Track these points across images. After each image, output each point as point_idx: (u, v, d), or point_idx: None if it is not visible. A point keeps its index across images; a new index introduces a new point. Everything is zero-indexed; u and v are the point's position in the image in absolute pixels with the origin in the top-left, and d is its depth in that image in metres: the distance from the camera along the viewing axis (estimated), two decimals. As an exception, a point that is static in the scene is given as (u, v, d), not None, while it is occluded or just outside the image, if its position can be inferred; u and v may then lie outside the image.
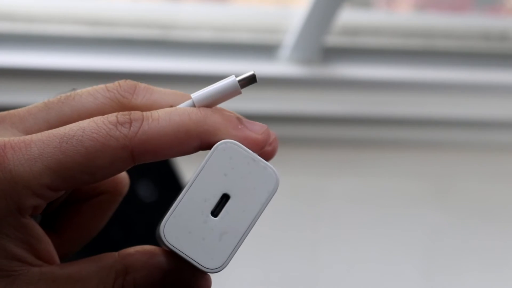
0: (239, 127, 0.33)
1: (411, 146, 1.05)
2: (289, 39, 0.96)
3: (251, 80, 0.33)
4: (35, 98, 0.90)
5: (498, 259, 1.05)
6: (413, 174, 1.04)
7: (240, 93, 0.33)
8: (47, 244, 0.32)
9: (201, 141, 0.32)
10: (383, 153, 1.03)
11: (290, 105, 0.97)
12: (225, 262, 0.31)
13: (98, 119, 0.31)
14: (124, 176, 0.37)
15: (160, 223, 0.32)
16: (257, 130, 0.33)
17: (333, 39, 1.00)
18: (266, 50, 0.98)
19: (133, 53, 0.94)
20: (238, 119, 0.33)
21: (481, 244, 1.04)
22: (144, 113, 0.32)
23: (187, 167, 0.83)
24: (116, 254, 0.32)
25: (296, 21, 0.95)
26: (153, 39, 0.95)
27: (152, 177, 0.82)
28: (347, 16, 0.99)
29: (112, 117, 0.31)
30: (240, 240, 0.32)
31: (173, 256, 0.32)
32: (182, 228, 0.31)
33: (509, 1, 1.16)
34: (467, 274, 1.04)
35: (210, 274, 0.32)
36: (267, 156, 0.34)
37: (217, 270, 0.31)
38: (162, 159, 0.32)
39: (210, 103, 0.33)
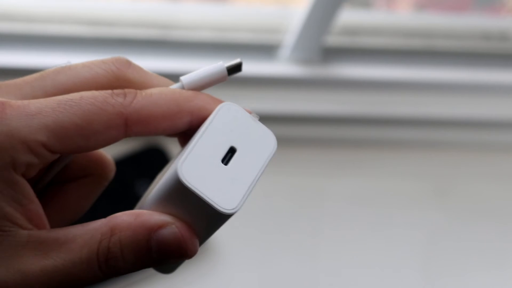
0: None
1: (411, 146, 1.05)
2: (289, 39, 0.96)
3: (237, 67, 0.37)
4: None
5: (498, 259, 1.05)
6: (413, 174, 1.04)
7: (226, 79, 0.36)
8: (38, 207, 0.33)
9: (191, 116, 0.34)
10: (383, 153, 1.03)
11: (290, 105, 0.97)
12: (239, 204, 0.33)
13: (95, 91, 0.33)
14: (110, 161, 0.38)
15: (173, 165, 0.33)
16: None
17: (333, 39, 1.00)
18: (266, 50, 0.98)
19: (133, 53, 0.94)
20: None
21: (481, 244, 1.04)
22: (138, 90, 0.33)
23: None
24: (104, 219, 0.33)
25: (296, 21, 0.95)
26: (153, 39, 0.95)
27: (152, 176, 0.82)
28: (347, 16, 0.99)
29: (108, 90, 0.33)
30: (250, 186, 0.33)
31: (160, 215, 0.33)
32: (198, 171, 0.32)
33: (509, 1, 1.16)
34: (467, 275, 1.04)
35: (226, 214, 0.33)
36: None
37: (232, 211, 0.32)
38: (154, 134, 0.33)
39: (199, 87, 0.35)
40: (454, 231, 1.04)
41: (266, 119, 1.06)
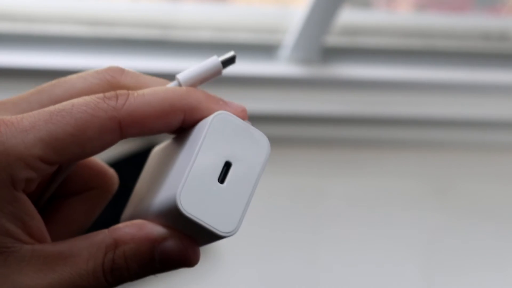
0: (220, 103, 0.34)
1: (411, 146, 1.05)
2: (289, 39, 0.96)
3: (231, 60, 0.36)
4: (35, 98, 0.90)
5: (498, 259, 1.05)
6: (413, 174, 1.04)
7: (220, 73, 0.36)
8: (39, 222, 0.33)
9: (185, 114, 0.34)
10: (383, 153, 1.03)
11: (290, 105, 0.97)
12: (238, 225, 0.33)
13: (86, 96, 0.33)
14: (113, 173, 0.38)
15: (159, 196, 0.33)
16: (236, 107, 0.35)
17: (333, 39, 1.00)
18: (266, 50, 0.98)
19: (133, 53, 0.94)
20: (220, 98, 0.35)
21: (481, 244, 1.04)
22: (130, 91, 0.33)
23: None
24: (106, 230, 0.33)
25: (296, 21, 0.95)
26: (153, 39, 0.95)
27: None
28: (347, 16, 0.99)
29: (100, 94, 0.33)
30: (247, 203, 0.33)
31: (163, 228, 0.33)
32: (196, 196, 0.32)
33: (509, 1, 1.16)
34: (467, 275, 1.04)
35: (226, 237, 0.33)
36: None
37: (232, 233, 0.33)
38: (149, 134, 0.33)
39: (195, 83, 0.35)
40: (454, 231, 1.04)
41: (266, 119, 1.06)
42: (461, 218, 1.04)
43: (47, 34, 0.92)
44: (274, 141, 1.14)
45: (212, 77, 0.36)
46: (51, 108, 0.32)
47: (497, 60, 1.05)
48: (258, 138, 0.34)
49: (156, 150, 0.39)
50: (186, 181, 0.32)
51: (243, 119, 0.34)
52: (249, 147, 0.33)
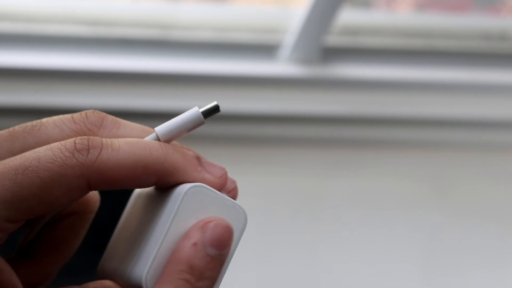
0: (198, 169, 0.33)
1: (411, 146, 1.05)
2: (289, 39, 0.96)
3: (214, 110, 0.33)
4: (35, 98, 0.90)
5: (498, 259, 1.05)
6: (413, 175, 1.04)
7: (203, 123, 0.33)
8: (10, 274, 0.32)
9: (158, 178, 0.32)
10: (383, 154, 1.03)
11: (290, 105, 0.97)
12: None
13: (55, 146, 0.31)
14: (93, 193, 0.36)
15: (129, 267, 0.32)
16: (216, 173, 0.33)
17: (333, 39, 1.00)
18: (266, 50, 0.98)
19: (133, 53, 0.94)
20: (198, 159, 0.33)
21: (481, 244, 1.04)
22: (104, 140, 0.31)
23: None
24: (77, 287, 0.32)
25: (296, 21, 0.95)
26: (153, 39, 0.95)
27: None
28: (347, 16, 0.99)
29: (69, 143, 0.31)
30: (220, 276, 0.32)
31: None
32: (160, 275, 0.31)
33: (509, 1, 1.16)
34: (467, 274, 1.04)
35: None
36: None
37: None
38: (119, 188, 0.32)
39: (175, 135, 0.33)
40: (454, 231, 1.04)
41: (266, 119, 1.06)
42: (461, 218, 1.04)
43: (47, 34, 0.92)
44: (274, 141, 1.14)
45: (193, 128, 0.34)
46: (17, 162, 0.31)
47: (497, 60, 1.05)
48: (234, 210, 0.32)
49: (138, 193, 0.37)
50: (153, 262, 0.31)
51: (222, 185, 0.33)
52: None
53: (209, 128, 0.94)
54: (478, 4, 1.15)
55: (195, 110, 0.33)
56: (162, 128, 0.33)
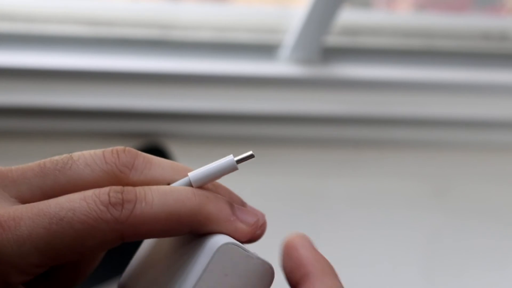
0: (231, 219, 0.33)
1: (411, 146, 1.05)
2: (289, 39, 0.96)
3: (248, 158, 0.34)
4: (35, 98, 0.90)
5: (498, 259, 1.05)
6: (413, 175, 1.04)
7: (237, 169, 0.34)
8: None
9: (190, 229, 0.32)
10: (383, 154, 1.03)
11: (290, 105, 0.97)
12: None
13: (89, 197, 0.31)
14: None
15: None
16: (248, 221, 0.34)
17: (333, 39, 1.00)
18: (266, 50, 0.98)
19: (133, 53, 0.94)
20: (231, 207, 0.34)
21: (481, 244, 1.04)
22: (138, 192, 0.32)
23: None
24: None
25: (296, 21, 0.95)
26: (153, 39, 0.95)
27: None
28: (347, 16, 0.99)
29: (104, 195, 0.31)
30: None
31: None
32: None
33: (509, 1, 1.16)
34: (467, 275, 1.04)
35: None
36: (255, 238, 0.35)
37: None
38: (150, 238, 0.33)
39: (207, 182, 0.34)
40: (453, 231, 1.04)
41: (266, 119, 1.05)
42: (461, 218, 1.04)
43: (47, 34, 0.92)
44: (274, 141, 1.14)
45: (225, 174, 0.34)
46: (51, 210, 0.31)
47: (497, 60, 1.05)
48: (262, 268, 0.33)
49: None
50: None
51: (253, 232, 0.34)
52: (252, 278, 0.32)
53: (209, 128, 0.95)
54: (478, 4, 1.15)
55: (230, 159, 0.34)
56: (196, 174, 0.34)
